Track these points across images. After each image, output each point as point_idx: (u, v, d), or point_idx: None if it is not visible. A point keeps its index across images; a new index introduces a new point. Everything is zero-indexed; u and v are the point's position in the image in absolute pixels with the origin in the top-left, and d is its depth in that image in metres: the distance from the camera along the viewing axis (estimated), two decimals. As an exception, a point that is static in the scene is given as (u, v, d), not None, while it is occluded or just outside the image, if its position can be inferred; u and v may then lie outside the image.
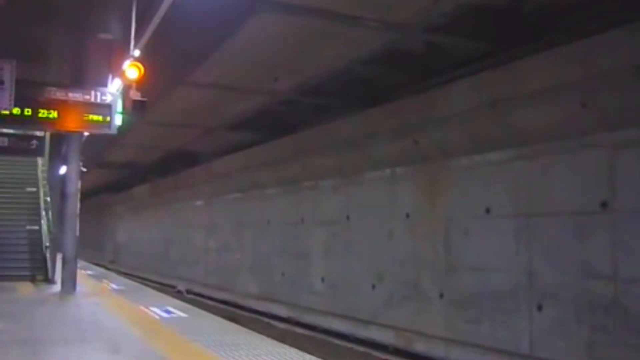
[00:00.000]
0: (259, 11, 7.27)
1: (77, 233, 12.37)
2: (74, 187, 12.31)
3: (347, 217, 11.88)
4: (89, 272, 18.86)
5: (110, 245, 34.25)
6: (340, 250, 12.07)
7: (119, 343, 6.86)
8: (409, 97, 9.73)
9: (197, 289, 19.46)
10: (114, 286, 14.38)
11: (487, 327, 8.37)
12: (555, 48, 7.14)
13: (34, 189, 16.84)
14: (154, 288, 16.75)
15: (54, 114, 8.87)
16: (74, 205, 12.35)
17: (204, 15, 7.41)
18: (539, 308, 7.61)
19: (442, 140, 9.30)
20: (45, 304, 10.59)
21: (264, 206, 15.68)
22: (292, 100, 11.45)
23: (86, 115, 9.05)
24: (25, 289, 12.70)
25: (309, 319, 12.77)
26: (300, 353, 6.53)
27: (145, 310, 9.78)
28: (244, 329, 8.60)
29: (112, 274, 19.98)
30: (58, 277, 13.04)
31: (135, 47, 7.60)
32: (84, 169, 13.63)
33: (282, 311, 13.94)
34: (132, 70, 7.77)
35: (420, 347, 9.58)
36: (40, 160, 17.24)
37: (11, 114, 8.39)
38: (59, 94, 8.91)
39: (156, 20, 6.71)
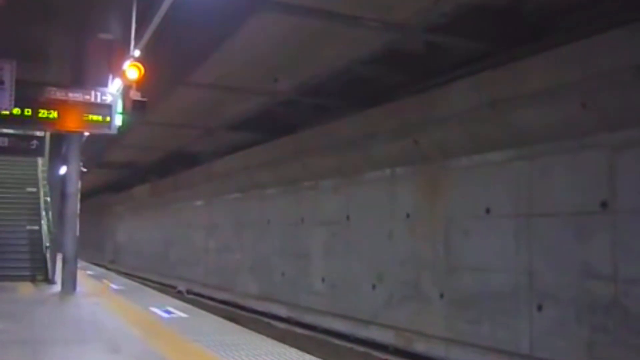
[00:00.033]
0: (259, 11, 7.27)
1: (77, 233, 12.37)
2: (74, 187, 12.32)
3: (347, 217, 11.88)
4: (89, 272, 18.87)
5: (110, 246, 34.25)
6: (340, 251, 12.07)
7: (119, 343, 6.86)
8: (409, 97, 9.73)
9: (197, 289, 19.46)
10: (114, 286, 14.39)
11: (487, 327, 8.36)
12: (555, 48, 7.14)
13: (34, 189, 16.85)
14: (154, 288, 16.75)
15: (54, 114, 8.87)
16: (74, 205, 12.35)
17: (204, 15, 7.43)
18: (539, 308, 7.61)
19: (442, 140, 9.29)
20: (45, 304, 10.59)
21: (264, 206, 15.67)
22: (292, 101, 11.45)
23: (86, 115, 9.05)
24: (25, 289, 12.70)
25: (309, 319, 12.76)
26: (301, 353, 6.53)
27: (146, 310, 9.78)
28: (244, 329, 8.60)
29: (112, 274, 20.00)
30: (58, 277, 13.05)
31: (135, 47, 7.61)
32: (84, 169, 13.62)
33: (282, 311, 13.94)
34: (132, 70, 7.77)
35: (420, 347, 9.58)
36: (40, 161, 17.25)
37: (11, 114, 8.39)
38: (59, 94, 8.91)
39: (156, 20, 6.72)
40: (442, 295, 9.25)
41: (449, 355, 8.99)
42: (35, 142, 13.98)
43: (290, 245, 14.11)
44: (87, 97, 9.07)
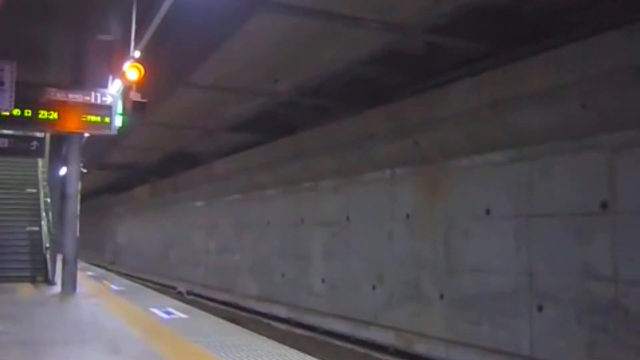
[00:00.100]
0: (259, 11, 7.27)
1: (77, 234, 12.37)
2: (74, 188, 12.32)
3: (347, 218, 11.88)
4: (89, 273, 18.87)
5: (110, 246, 34.25)
6: (340, 251, 12.06)
7: (119, 344, 6.86)
8: (409, 98, 9.73)
9: (197, 290, 19.46)
10: (114, 287, 14.39)
11: (487, 328, 8.36)
12: (555, 49, 7.14)
13: (34, 190, 16.86)
14: (154, 289, 16.74)
15: (54, 115, 8.88)
16: (74, 206, 12.35)
17: (204, 16, 7.43)
18: (540, 309, 7.60)
19: (442, 140, 9.29)
20: (46, 305, 10.59)
21: (264, 207, 15.67)
22: (292, 101, 11.45)
23: (86, 116, 9.06)
24: (25, 290, 12.70)
25: (309, 319, 12.76)
26: (301, 354, 6.52)
27: (146, 311, 9.78)
28: (245, 330, 8.59)
29: (113, 275, 20.00)
30: (58, 278, 13.04)
31: (135, 48, 7.61)
32: (84, 170, 13.63)
33: (283, 312, 13.94)
34: (132, 71, 7.77)
35: (420, 348, 9.58)
36: (40, 162, 17.27)
37: (11, 115, 8.40)
38: (59, 95, 8.92)
39: (156, 21, 6.72)
40: (442, 296, 9.25)
41: (450, 356, 8.98)
42: (35, 143, 13.99)
43: (290, 246, 14.10)
44: (87, 98, 9.08)
